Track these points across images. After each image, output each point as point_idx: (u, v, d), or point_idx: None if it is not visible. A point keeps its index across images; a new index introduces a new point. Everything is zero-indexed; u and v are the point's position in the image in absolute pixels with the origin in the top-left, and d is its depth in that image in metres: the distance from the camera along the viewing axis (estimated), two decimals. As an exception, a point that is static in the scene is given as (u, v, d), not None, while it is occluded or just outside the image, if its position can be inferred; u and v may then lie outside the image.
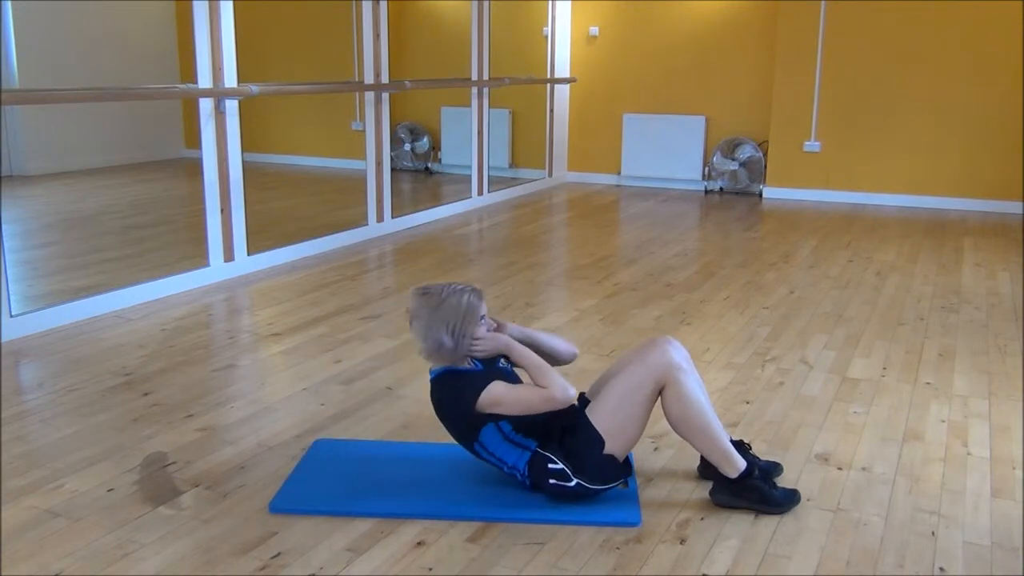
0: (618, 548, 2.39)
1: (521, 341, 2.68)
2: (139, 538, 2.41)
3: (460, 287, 2.61)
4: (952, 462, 2.91)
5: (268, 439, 3.04)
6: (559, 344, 2.78)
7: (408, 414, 3.26)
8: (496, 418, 2.56)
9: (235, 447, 2.98)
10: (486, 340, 2.61)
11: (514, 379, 2.64)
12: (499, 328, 2.70)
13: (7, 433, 3.07)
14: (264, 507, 2.57)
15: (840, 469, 2.85)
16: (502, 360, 2.71)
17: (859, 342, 4.12)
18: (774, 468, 2.78)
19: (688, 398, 2.53)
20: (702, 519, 2.54)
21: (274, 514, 2.54)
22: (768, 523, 2.52)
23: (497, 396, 2.52)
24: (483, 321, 2.62)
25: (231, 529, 2.46)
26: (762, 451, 2.93)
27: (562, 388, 2.50)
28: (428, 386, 3.50)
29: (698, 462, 2.80)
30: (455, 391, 2.59)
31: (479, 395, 2.51)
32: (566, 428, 2.59)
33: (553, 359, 2.74)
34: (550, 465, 2.55)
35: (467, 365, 2.66)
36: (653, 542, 2.42)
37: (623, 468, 2.59)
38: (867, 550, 2.39)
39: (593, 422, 2.54)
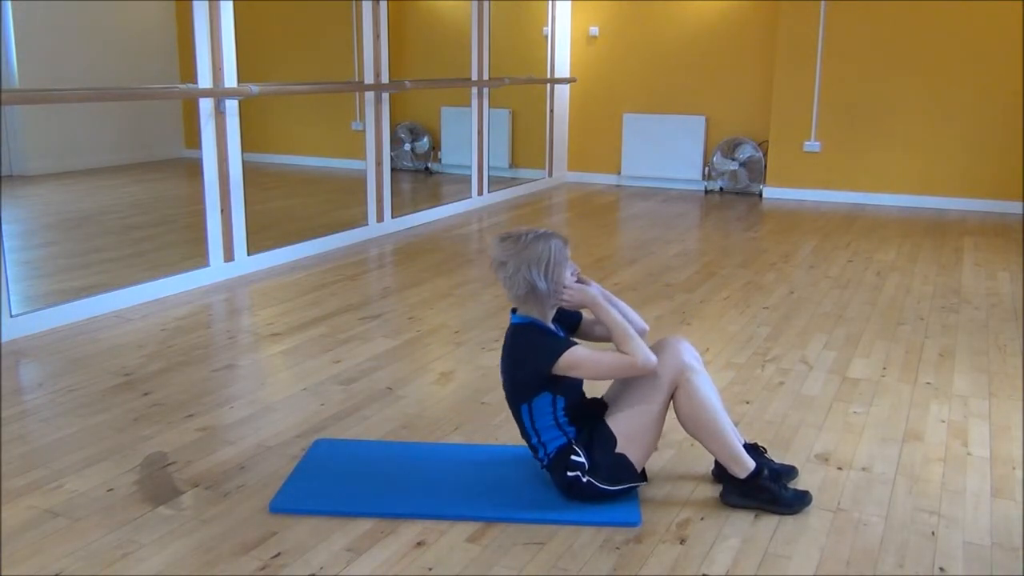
0: (618, 548, 2.39)
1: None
2: (139, 538, 2.41)
3: (543, 231, 2.55)
4: (952, 462, 2.91)
5: (268, 439, 3.04)
6: (634, 315, 2.71)
7: (408, 414, 3.26)
8: (557, 390, 2.53)
9: (235, 447, 2.98)
10: (574, 290, 2.56)
11: None
12: (583, 282, 2.63)
13: (7, 433, 3.07)
14: (264, 507, 2.57)
15: (840, 469, 2.85)
16: (573, 337, 2.68)
17: (859, 342, 4.12)
18: (789, 472, 2.77)
19: (698, 398, 2.53)
20: (702, 519, 2.54)
21: (274, 514, 2.54)
22: (768, 523, 2.52)
23: (579, 358, 2.47)
24: (570, 266, 2.57)
25: (231, 529, 2.46)
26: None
27: (644, 355, 2.47)
28: (427, 387, 3.52)
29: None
30: (537, 345, 2.53)
31: (560, 355, 2.47)
32: (592, 425, 2.59)
33: None
34: (574, 457, 2.54)
35: (551, 326, 2.61)
36: (653, 542, 2.42)
37: (636, 474, 2.57)
38: (867, 550, 2.39)
39: (609, 424, 2.54)
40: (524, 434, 2.63)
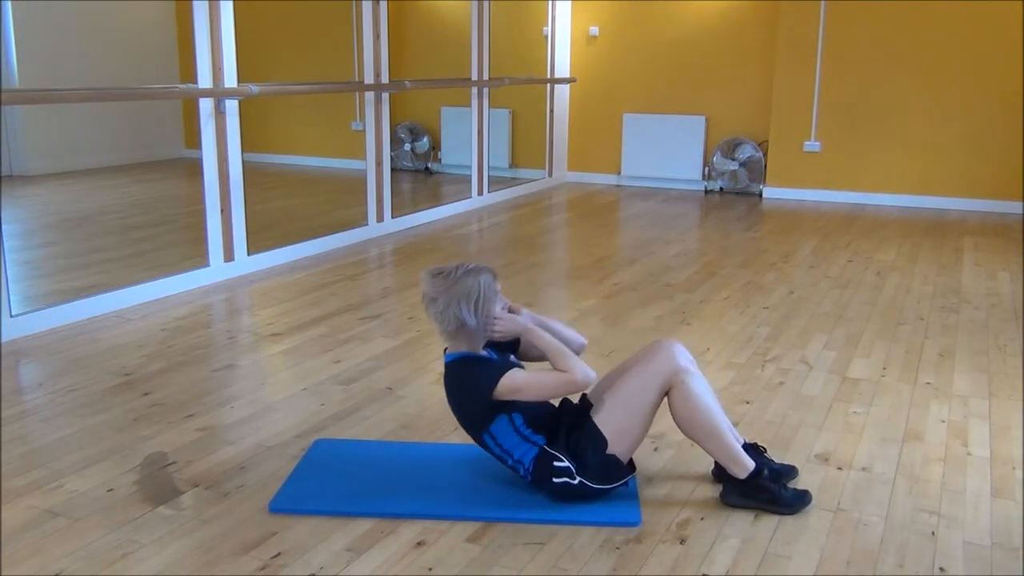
0: (618, 548, 2.39)
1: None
2: (139, 538, 2.41)
3: (472, 265, 2.58)
4: (952, 462, 2.91)
5: (268, 439, 3.04)
6: (570, 334, 2.73)
7: (408, 414, 3.26)
8: (510, 410, 2.55)
9: (235, 447, 2.98)
10: (504, 320, 2.58)
11: None
12: (514, 311, 2.67)
13: (7, 433, 3.07)
14: (264, 507, 2.57)
15: (840, 469, 2.85)
16: (512, 356, 2.70)
17: (859, 342, 4.12)
18: (789, 471, 2.77)
19: (694, 401, 2.53)
20: (702, 519, 2.54)
21: (274, 514, 2.54)
22: (768, 523, 2.52)
23: (518, 383, 2.49)
24: (499, 299, 2.59)
25: (231, 529, 2.46)
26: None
27: (582, 371, 2.49)
28: (427, 387, 3.52)
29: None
30: (473, 377, 2.55)
31: (499, 381, 2.49)
32: (572, 426, 2.59)
33: None
34: (555, 463, 2.54)
35: (484, 353, 2.63)
36: (653, 542, 2.42)
37: (627, 468, 2.59)
38: (867, 550, 2.39)
39: (598, 423, 2.54)
40: (498, 459, 2.64)
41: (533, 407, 2.60)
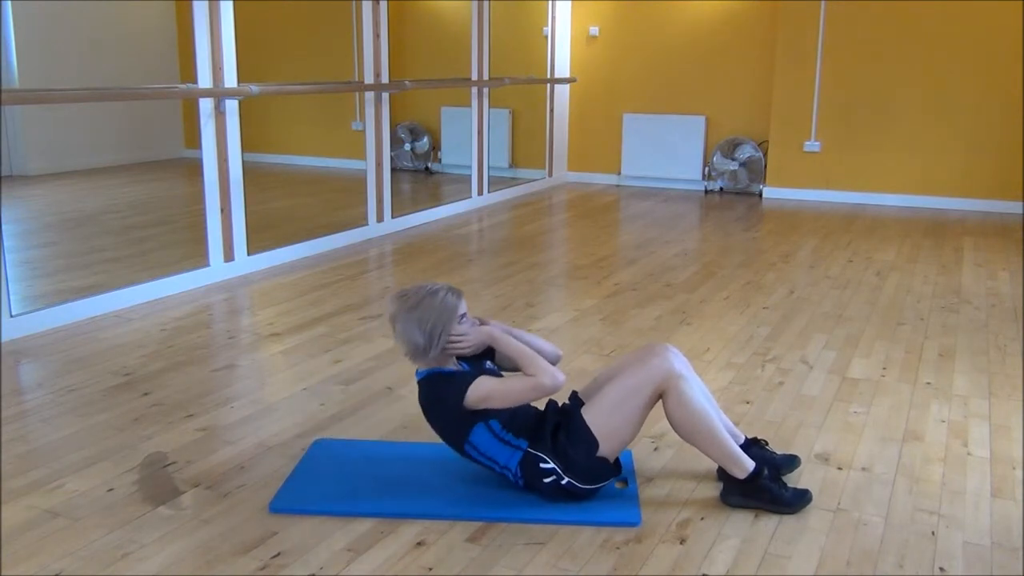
0: (618, 548, 2.39)
1: None
2: (139, 538, 2.41)
3: (436, 287, 2.59)
4: (952, 462, 2.91)
5: (268, 439, 3.04)
6: (543, 344, 2.74)
7: (408, 414, 3.26)
8: (486, 417, 2.56)
9: (235, 447, 2.98)
10: (470, 335, 2.60)
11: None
12: (483, 324, 2.68)
13: (7, 433, 3.07)
14: (264, 507, 2.57)
15: (840, 469, 2.85)
16: (488, 362, 2.71)
17: (859, 342, 4.12)
18: (791, 461, 2.79)
19: (690, 404, 2.53)
20: (702, 519, 2.54)
21: (274, 514, 2.54)
22: (768, 523, 2.52)
23: (486, 391, 2.51)
24: (464, 319, 2.60)
25: (231, 529, 2.46)
26: (762, 451, 2.93)
27: (551, 375, 2.49)
28: (428, 386, 3.52)
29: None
30: (442, 391, 2.57)
31: (466, 392, 2.50)
32: (559, 426, 2.60)
33: None
34: (542, 464, 2.55)
35: (453, 366, 2.65)
36: (653, 542, 2.42)
37: (613, 468, 2.59)
38: (867, 550, 2.39)
39: (589, 424, 2.54)
40: (486, 468, 2.65)
41: (511, 413, 2.60)
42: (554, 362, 2.67)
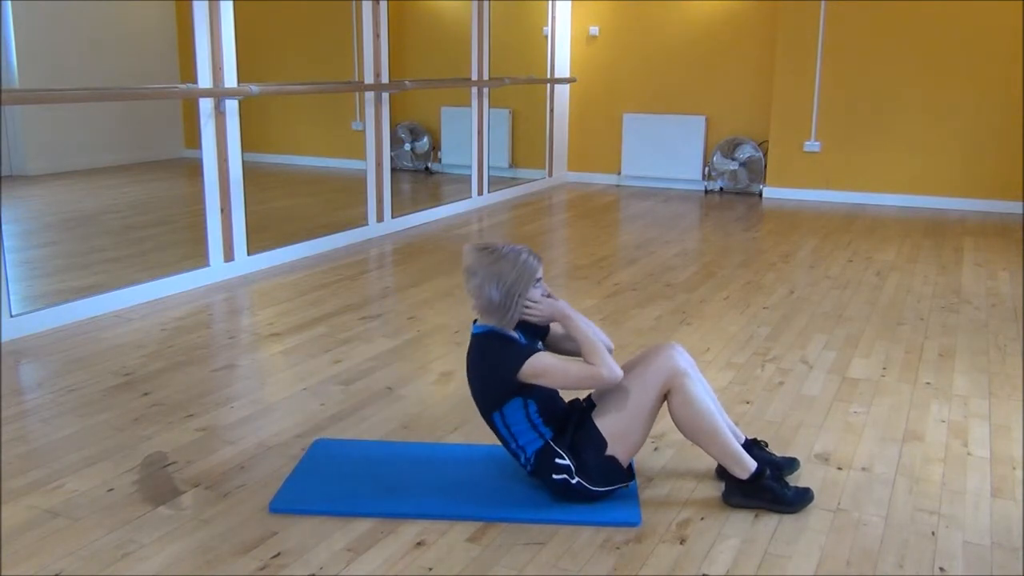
0: (618, 548, 2.39)
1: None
2: (139, 538, 2.41)
3: (518, 247, 2.56)
4: (952, 462, 2.91)
5: (268, 439, 3.04)
6: (601, 334, 2.70)
7: (408, 414, 3.26)
8: (528, 394, 2.54)
9: (235, 447, 2.98)
10: (543, 304, 2.57)
11: None
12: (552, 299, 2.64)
13: (7, 433, 3.07)
14: (264, 507, 2.57)
15: (840, 469, 2.85)
16: (540, 344, 2.69)
17: (859, 342, 4.12)
18: (790, 464, 2.79)
19: (695, 403, 2.53)
20: (702, 519, 2.54)
21: (274, 514, 2.54)
22: (768, 523, 2.52)
23: (543, 366, 2.48)
24: (539, 284, 2.57)
25: (231, 529, 2.46)
26: (762, 451, 2.93)
27: (610, 368, 2.49)
28: (427, 387, 3.52)
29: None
30: (500, 354, 2.53)
31: (525, 362, 2.48)
32: (577, 425, 2.59)
33: None
34: (557, 460, 2.54)
35: (513, 333, 2.61)
36: (653, 542, 2.42)
37: (625, 473, 2.58)
38: (867, 550, 2.39)
39: (598, 424, 2.55)
40: (501, 440, 2.63)
41: (549, 399, 2.59)
42: (608, 352, 2.64)
